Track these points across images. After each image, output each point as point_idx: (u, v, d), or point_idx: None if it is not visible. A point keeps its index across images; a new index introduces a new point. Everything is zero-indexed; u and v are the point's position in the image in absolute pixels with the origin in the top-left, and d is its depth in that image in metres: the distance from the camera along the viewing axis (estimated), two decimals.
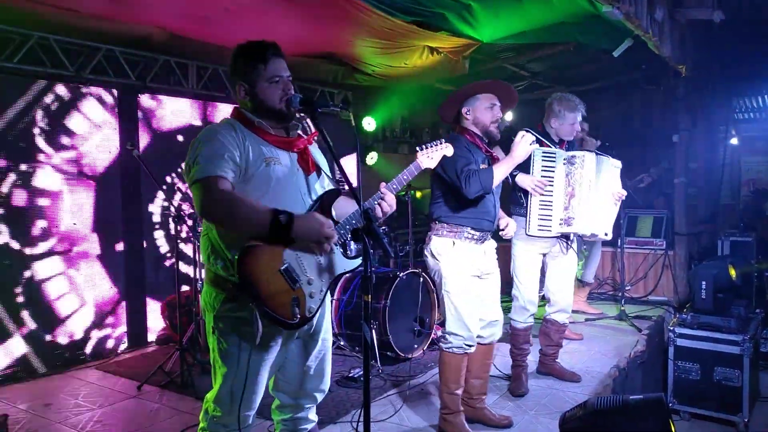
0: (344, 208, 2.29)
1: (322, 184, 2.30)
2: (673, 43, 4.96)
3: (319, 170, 2.30)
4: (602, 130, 6.30)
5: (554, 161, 3.68)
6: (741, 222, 6.09)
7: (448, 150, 2.70)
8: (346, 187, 2.16)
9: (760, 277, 5.73)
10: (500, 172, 3.04)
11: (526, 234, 3.71)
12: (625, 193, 3.87)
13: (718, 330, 4.37)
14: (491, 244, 3.25)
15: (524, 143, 3.06)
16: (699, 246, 6.41)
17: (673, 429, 2.40)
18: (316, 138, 2.29)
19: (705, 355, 4.37)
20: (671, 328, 4.55)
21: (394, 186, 2.47)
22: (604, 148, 5.64)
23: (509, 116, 6.80)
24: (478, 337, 3.19)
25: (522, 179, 3.63)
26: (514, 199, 3.80)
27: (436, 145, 2.66)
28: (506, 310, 3.90)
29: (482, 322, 3.18)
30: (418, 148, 2.66)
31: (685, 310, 4.78)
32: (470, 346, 3.09)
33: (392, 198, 2.33)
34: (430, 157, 2.64)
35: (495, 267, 3.26)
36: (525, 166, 3.66)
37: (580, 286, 5.59)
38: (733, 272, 4.70)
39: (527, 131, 3.76)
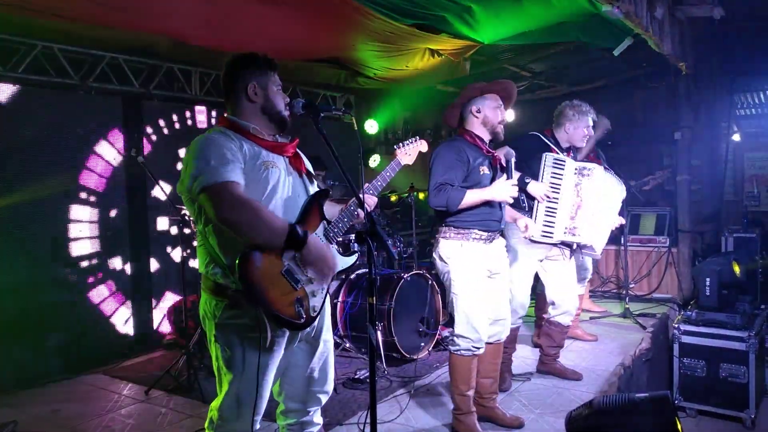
0: (329, 211, 2.37)
1: (312, 186, 2.37)
2: (673, 41, 4.97)
3: (309, 173, 2.35)
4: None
5: (563, 169, 3.70)
6: (745, 218, 6.09)
7: (422, 146, 2.85)
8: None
9: (764, 273, 5.72)
10: (470, 198, 2.98)
11: (529, 239, 3.68)
12: (623, 221, 4.05)
13: (723, 326, 4.37)
14: (500, 243, 3.25)
15: (506, 189, 2.99)
16: (703, 243, 6.40)
17: (679, 426, 2.40)
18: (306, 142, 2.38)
19: (710, 351, 4.37)
20: (676, 326, 4.56)
21: (379, 183, 2.61)
22: (606, 146, 5.67)
23: (510, 116, 6.82)
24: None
25: (534, 188, 3.63)
26: (516, 202, 3.75)
27: (413, 142, 2.84)
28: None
29: (489, 320, 3.16)
30: (396, 147, 2.81)
31: (689, 307, 4.78)
32: (478, 348, 3.09)
33: (370, 198, 2.48)
34: (407, 153, 2.82)
35: (505, 266, 3.26)
36: (535, 171, 3.68)
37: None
38: (737, 269, 4.69)
39: (538, 136, 3.82)
